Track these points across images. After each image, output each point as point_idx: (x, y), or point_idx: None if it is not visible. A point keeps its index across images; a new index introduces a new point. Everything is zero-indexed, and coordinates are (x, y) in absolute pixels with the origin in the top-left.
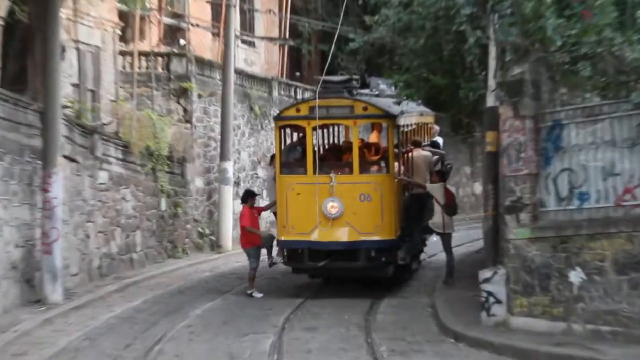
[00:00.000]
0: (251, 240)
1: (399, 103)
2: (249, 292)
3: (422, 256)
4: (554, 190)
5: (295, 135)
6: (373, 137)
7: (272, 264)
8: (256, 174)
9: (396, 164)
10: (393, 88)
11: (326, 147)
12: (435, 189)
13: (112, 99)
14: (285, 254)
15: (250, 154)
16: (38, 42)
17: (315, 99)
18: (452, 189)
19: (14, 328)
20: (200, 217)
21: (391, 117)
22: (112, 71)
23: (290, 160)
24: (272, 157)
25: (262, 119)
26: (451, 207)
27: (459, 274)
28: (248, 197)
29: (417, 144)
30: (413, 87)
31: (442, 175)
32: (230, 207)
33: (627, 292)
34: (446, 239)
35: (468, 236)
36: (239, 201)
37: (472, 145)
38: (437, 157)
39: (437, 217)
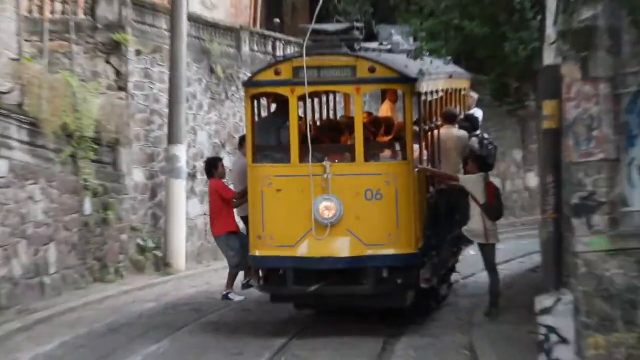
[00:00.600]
0: (227, 222)
1: (419, 61)
2: (224, 292)
3: (455, 277)
4: None
5: (274, 107)
6: (384, 110)
7: (247, 285)
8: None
9: (417, 147)
10: (411, 40)
11: (318, 124)
12: (472, 183)
13: (13, 57)
14: (260, 275)
15: (211, 134)
16: None
17: (302, 56)
18: (497, 182)
19: None
20: (141, 225)
21: (409, 82)
22: (12, 18)
23: (268, 143)
24: (242, 139)
25: (228, 85)
26: (495, 207)
27: (507, 302)
28: (212, 167)
29: (448, 119)
30: (440, 39)
31: (482, 163)
32: (183, 209)
33: None
34: (488, 252)
35: (519, 248)
36: (196, 200)
37: (523, 120)
38: (475, 137)
39: (476, 222)
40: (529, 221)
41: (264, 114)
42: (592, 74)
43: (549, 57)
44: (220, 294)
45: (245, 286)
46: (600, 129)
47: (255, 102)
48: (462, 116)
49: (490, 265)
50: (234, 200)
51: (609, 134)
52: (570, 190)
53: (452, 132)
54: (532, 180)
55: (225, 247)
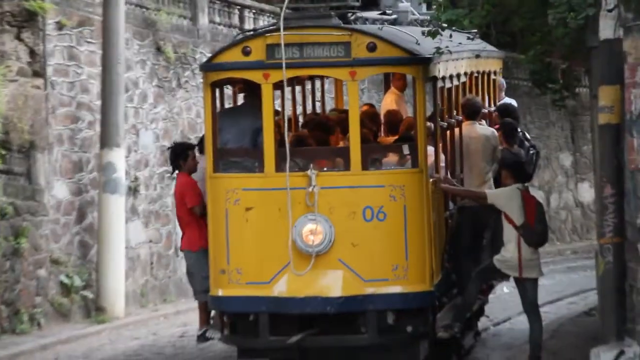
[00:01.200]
0: (202, 234)
1: (434, 35)
2: (199, 333)
3: (483, 323)
4: None
5: (241, 98)
6: (388, 102)
7: (203, 337)
8: (169, 171)
9: (431, 150)
10: (424, 7)
11: (300, 120)
12: (505, 198)
13: None
14: (225, 322)
15: (159, 134)
16: None
17: (278, 30)
18: (539, 196)
19: None
20: (65, 256)
21: (421, 63)
22: None
23: (233, 145)
24: (201, 140)
25: (181, 68)
26: (536, 230)
27: (553, 356)
28: (179, 157)
29: (469, 112)
30: (462, 5)
31: (519, 171)
32: (122, 234)
33: None
34: (528, 289)
35: (569, 284)
36: (139, 223)
37: (573, 113)
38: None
39: (511, 250)
40: (582, 248)
41: (229, 106)
42: None
43: (607, 29)
44: (181, 341)
45: (201, 339)
46: None
47: (217, 91)
48: (492, 108)
49: (531, 306)
50: (196, 211)
51: None
52: (635, 207)
53: (477, 130)
54: (586, 193)
55: (196, 267)
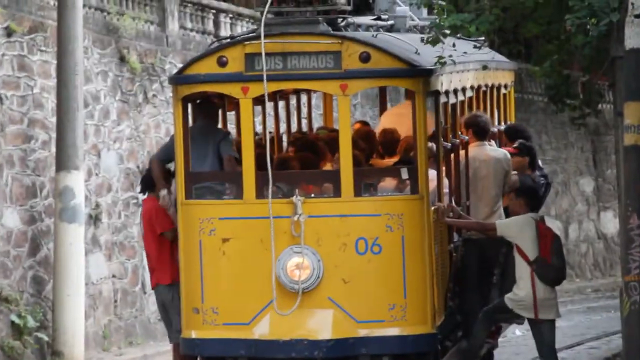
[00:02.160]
0: (174, 266)
1: (435, 43)
2: None
3: None
4: None
5: (217, 115)
6: (386, 120)
7: None
8: (136, 197)
9: (433, 173)
10: (424, 12)
11: (284, 140)
12: (516, 229)
13: None
14: None
15: (123, 155)
16: None
17: (259, 37)
18: (556, 227)
19: None
20: (17, 293)
21: (422, 75)
22: None
23: (208, 168)
24: (148, 173)
25: (148, 81)
26: (552, 266)
27: None
28: (150, 181)
29: (480, 132)
30: (468, 9)
31: (534, 199)
32: (81, 269)
33: None
34: (544, 332)
35: (590, 326)
36: (100, 255)
37: (595, 132)
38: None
39: (524, 287)
40: (605, 285)
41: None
42: None
43: (634, 37)
44: None
45: None
46: None
47: (189, 106)
48: (502, 126)
49: (548, 351)
50: (167, 237)
51: None
52: None
53: (487, 152)
54: (610, 223)
55: (168, 303)
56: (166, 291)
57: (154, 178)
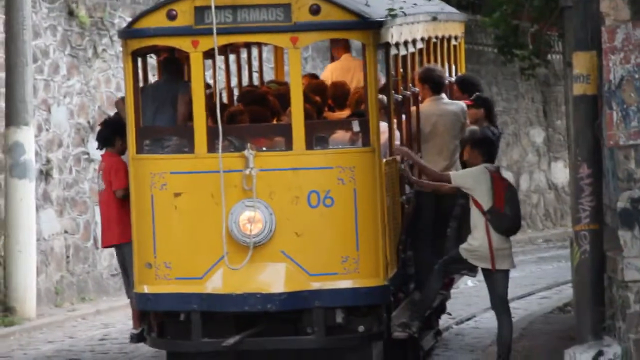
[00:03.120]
0: (129, 224)
1: None
2: (135, 331)
3: (444, 321)
4: None
5: (167, 69)
6: (335, 71)
7: (139, 336)
8: (87, 153)
9: (384, 126)
10: None
11: (235, 93)
12: (472, 179)
13: None
14: (152, 323)
15: (74, 110)
16: None
17: None
18: (509, 177)
19: None
20: None
21: (372, 27)
22: None
23: (159, 123)
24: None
25: (97, 35)
26: (507, 216)
27: (524, 358)
28: (114, 133)
29: (436, 86)
30: None
31: (489, 149)
32: (32, 225)
33: None
34: (497, 283)
35: (542, 276)
36: (52, 212)
37: (545, 83)
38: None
39: (479, 238)
40: (556, 235)
41: (153, 78)
42: None
43: None
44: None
45: (137, 338)
46: None
47: (139, 60)
48: (452, 78)
49: (500, 301)
50: (118, 195)
51: None
52: (615, 188)
53: (445, 106)
54: (560, 173)
55: (129, 261)
56: (126, 248)
57: (121, 115)
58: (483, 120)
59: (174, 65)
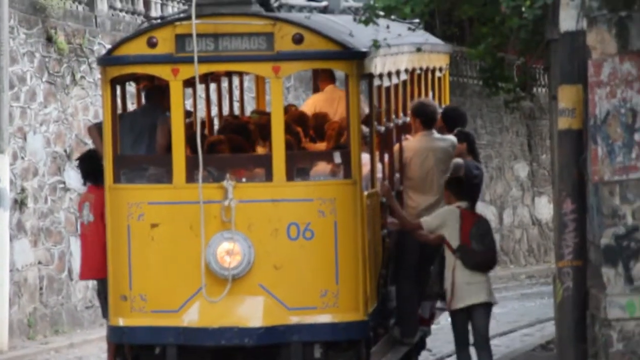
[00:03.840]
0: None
1: (367, 23)
2: None
3: (424, 357)
4: None
5: (149, 98)
6: (318, 102)
7: None
8: (63, 182)
9: (366, 157)
10: None
11: (216, 124)
12: (440, 220)
13: None
14: (127, 356)
15: (50, 138)
16: None
17: (189, 17)
18: (490, 212)
19: None
20: None
21: (355, 58)
22: None
23: (137, 151)
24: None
25: (76, 62)
26: (473, 251)
27: None
28: (98, 165)
29: (428, 121)
30: None
31: (459, 188)
32: (6, 255)
33: None
34: (478, 319)
35: (524, 313)
36: (26, 242)
37: (530, 116)
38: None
39: (447, 276)
40: (539, 272)
41: (133, 106)
42: (635, 45)
43: (569, 19)
44: None
45: None
46: None
47: (118, 88)
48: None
49: (481, 337)
50: None
51: None
52: (599, 225)
53: (435, 142)
54: (544, 209)
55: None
56: (102, 283)
57: (95, 145)
58: (466, 154)
59: (156, 94)
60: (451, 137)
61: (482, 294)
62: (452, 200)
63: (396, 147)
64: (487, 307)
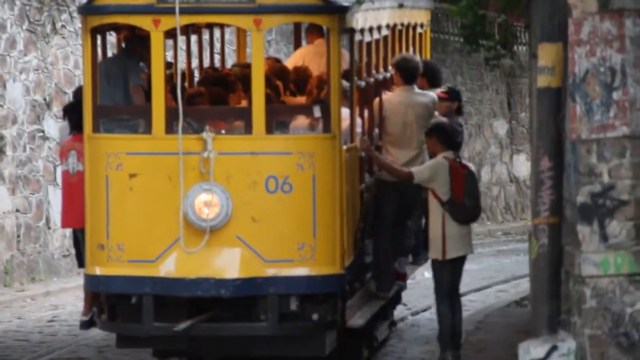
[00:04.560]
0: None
1: None
2: (85, 318)
3: (399, 311)
4: None
5: (126, 48)
6: (307, 54)
7: (89, 323)
8: (42, 130)
9: (346, 112)
10: None
11: (196, 75)
12: (430, 171)
13: None
14: (103, 306)
15: (30, 87)
16: None
17: None
18: (471, 167)
19: None
20: None
21: (336, 12)
22: None
23: (116, 101)
24: (76, 93)
25: (56, 11)
26: (465, 207)
27: (477, 351)
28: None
29: (410, 76)
30: None
31: (446, 136)
32: None
33: None
34: (452, 272)
35: (499, 270)
36: (3, 189)
37: (510, 74)
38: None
39: (435, 227)
40: (516, 229)
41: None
42: (616, 4)
43: None
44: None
45: (87, 325)
46: (624, 88)
47: (99, 38)
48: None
49: (453, 290)
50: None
51: (637, 96)
52: (576, 182)
53: (415, 96)
54: (522, 166)
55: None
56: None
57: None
58: (454, 113)
59: (134, 44)
60: (432, 93)
61: (469, 247)
62: (437, 149)
63: (376, 101)
64: (462, 261)
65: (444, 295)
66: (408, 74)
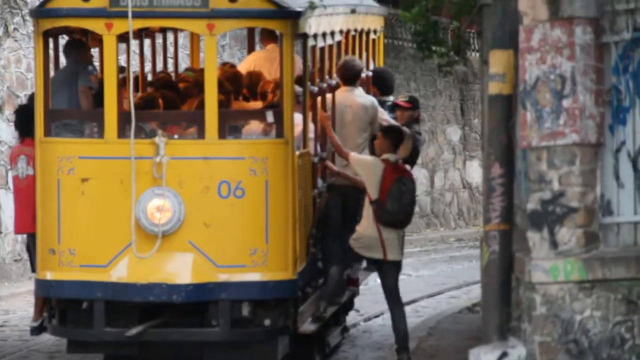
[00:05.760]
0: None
1: None
2: (35, 324)
3: (352, 317)
4: (635, 180)
5: (78, 53)
6: (259, 59)
7: (40, 328)
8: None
9: (299, 117)
10: None
11: (148, 79)
12: (366, 166)
13: None
14: (52, 311)
15: None
16: None
17: None
18: (422, 175)
19: None
20: None
21: (290, 17)
22: None
23: (68, 105)
24: (31, 98)
25: (9, 13)
26: (387, 210)
27: (429, 357)
28: (32, 118)
29: (350, 77)
30: None
31: (396, 139)
32: None
33: None
34: (387, 275)
35: (451, 276)
36: None
37: (463, 80)
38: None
39: (365, 226)
40: (468, 235)
41: (65, 62)
42: (566, 12)
43: None
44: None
45: (37, 330)
46: (574, 95)
47: (51, 41)
48: (369, 72)
49: (392, 295)
50: None
51: (587, 104)
52: (526, 189)
53: (354, 98)
54: (475, 172)
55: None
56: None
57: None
58: (414, 121)
59: (73, 48)
60: (371, 97)
61: (395, 252)
62: (385, 150)
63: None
64: (397, 263)
65: (394, 298)
66: (348, 75)
